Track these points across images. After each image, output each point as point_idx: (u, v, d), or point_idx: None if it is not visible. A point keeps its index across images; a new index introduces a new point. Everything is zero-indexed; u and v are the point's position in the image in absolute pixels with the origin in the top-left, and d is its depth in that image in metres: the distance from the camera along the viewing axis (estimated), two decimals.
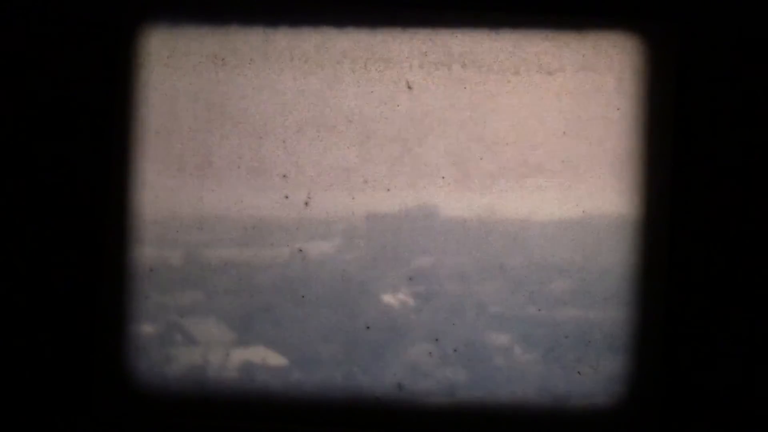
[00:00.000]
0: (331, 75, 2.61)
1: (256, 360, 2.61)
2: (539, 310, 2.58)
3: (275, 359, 2.60)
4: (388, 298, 2.59)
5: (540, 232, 2.58)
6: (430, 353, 2.59)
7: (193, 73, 2.62)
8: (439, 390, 2.58)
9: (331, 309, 2.58)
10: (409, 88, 2.60)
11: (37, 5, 2.61)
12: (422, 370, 2.59)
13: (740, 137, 2.55)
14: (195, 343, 2.62)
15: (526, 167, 2.58)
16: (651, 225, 2.55)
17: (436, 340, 2.59)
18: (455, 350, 2.58)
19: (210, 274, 2.61)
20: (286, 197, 2.61)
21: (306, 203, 2.60)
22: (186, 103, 2.62)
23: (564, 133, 2.58)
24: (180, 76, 2.62)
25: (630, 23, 2.57)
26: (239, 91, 2.62)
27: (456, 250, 2.58)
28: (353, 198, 2.59)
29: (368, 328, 2.59)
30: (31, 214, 2.60)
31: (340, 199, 2.59)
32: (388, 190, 2.59)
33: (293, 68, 2.62)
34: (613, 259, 2.56)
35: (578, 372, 2.57)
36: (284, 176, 2.61)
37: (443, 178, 2.59)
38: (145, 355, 2.61)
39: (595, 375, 2.57)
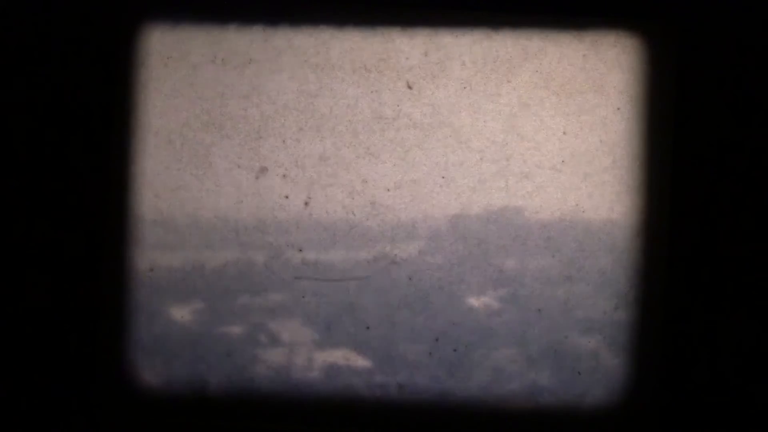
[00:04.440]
0: (331, 75, 2.61)
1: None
2: (539, 310, 2.58)
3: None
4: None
5: (539, 231, 2.58)
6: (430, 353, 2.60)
7: (193, 73, 2.62)
8: (431, 389, 2.59)
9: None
10: (409, 88, 2.60)
11: (38, 5, 2.61)
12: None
13: (740, 137, 2.55)
14: (194, 341, 2.62)
15: (526, 166, 2.59)
16: (651, 224, 2.55)
17: (436, 340, 2.59)
18: (455, 350, 2.59)
19: (210, 275, 2.61)
20: (286, 197, 2.61)
21: (306, 203, 2.60)
22: (186, 103, 2.62)
23: (564, 133, 2.59)
24: (180, 76, 2.62)
25: (630, 23, 2.58)
26: (239, 91, 2.62)
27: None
28: (353, 198, 2.60)
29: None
30: (31, 214, 2.60)
31: (340, 199, 2.60)
32: (388, 190, 2.59)
33: (293, 68, 2.62)
34: (613, 258, 2.56)
35: (578, 372, 2.57)
36: (284, 176, 2.61)
37: (443, 177, 2.59)
38: (145, 355, 2.61)
39: (595, 375, 2.57)
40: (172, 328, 2.61)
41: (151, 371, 2.61)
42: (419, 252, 2.59)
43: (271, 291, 2.61)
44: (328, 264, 2.60)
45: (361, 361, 2.60)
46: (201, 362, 2.61)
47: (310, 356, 2.62)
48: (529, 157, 2.59)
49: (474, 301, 2.59)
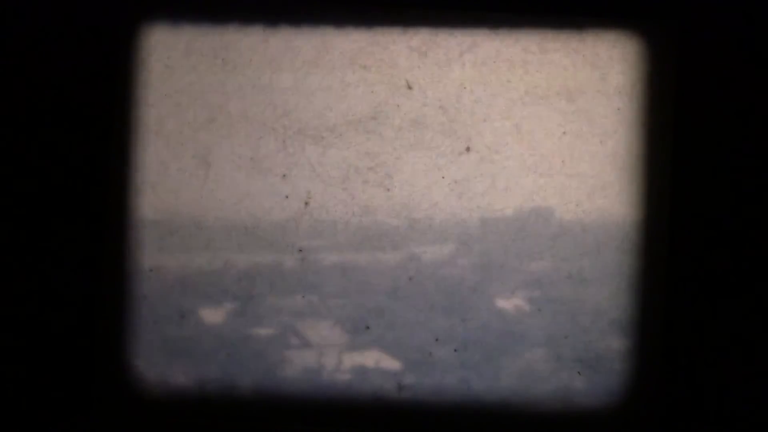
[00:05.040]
0: (331, 75, 2.61)
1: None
2: (539, 309, 2.58)
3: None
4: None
5: (539, 231, 2.58)
6: (430, 353, 2.59)
7: (193, 73, 2.62)
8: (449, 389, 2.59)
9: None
10: (409, 88, 2.60)
11: (37, 5, 2.61)
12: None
13: (740, 137, 2.55)
14: (195, 340, 2.62)
15: (526, 167, 2.58)
16: (651, 224, 2.55)
17: (436, 340, 2.59)
18: (456, 350, 2.59)
19: (210, 274, 2.61)
20: (286, 197, 2.61)
21: (306, 203, 2.60)
22: (186, 103, 2.62)
23: (564, 133, 2.59)
24: (180, 76, 2.62)
25: (630, 23, 2.58)
26: (239, 91, 2.62)
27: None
28: (353, 198, 2.59)
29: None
30: (31, 214, 2.60)
31: (340, 199, 2.59)
32: (388, 190, 2.59)
33: (293, 68, 2.61)
34: (613, 258, 2.56)
35: (578, 372, 2.57)
36: (284, 176, 2.61)
37: (443, 177, 2.59)
38: (145, 355, 2.61)
39: (595, 375, 2.57)
40: (173, 326, 2.61)
41: (152, 371, 2.61)
42: (425, 251, 2.59)
43: (270, 292, 2.62)
44: (326, 265, 2.60)
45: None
46: (203, 362, 2.61)
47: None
48: (528, 157, 2.59)
49: (478, 302, 2.59)
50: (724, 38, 2.55)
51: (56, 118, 2.60)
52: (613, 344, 2.57)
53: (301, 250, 2.60)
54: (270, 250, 2.60)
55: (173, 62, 2.62)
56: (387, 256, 2.59)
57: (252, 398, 2.60)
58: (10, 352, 2.60)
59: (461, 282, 2.58)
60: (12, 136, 2.61)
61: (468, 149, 2.59)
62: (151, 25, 2.62)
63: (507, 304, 2.60)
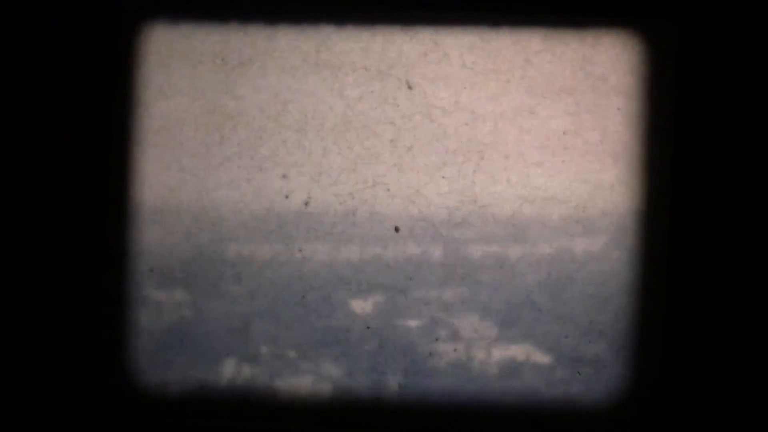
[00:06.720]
0: (331, 75, 2.61)
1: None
2: (539, 309, 2.58)
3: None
4: None
5: (540, 230, 2.58)
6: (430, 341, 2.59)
7: (193, 72, 2.62)
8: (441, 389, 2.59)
9: None
10: (409, 88, 2.61)
11: (37, 5, 2.61)
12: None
13: (739, 136, 2.55)
14: (195, 346, 2.62)
15: (526, 167, 2.59)
16: (651, 224, 2.55)
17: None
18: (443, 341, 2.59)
19: (211, 273, 2.61)
20: (286, 197, 2.61)
21: (306, 203, 2.60)
22: (186, 102, 2.62)
23: (564, 132, 2.59)
24: (180, 76, 2.62)
25: (630, 23, 2.58)
26: (239, 91, 2.62)
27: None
28: (353, 198, 2.59)
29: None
30: (31, 213, 2.60)
31: (341, 198, 2.59)
32: (388, 189, 2.59)
33: (293, 68, 2.62)
34: (613, 258, 2.57)
35: (578, 372, 2.57)
36: (284, 176, 2.61)
37: (443, 177, 2.59)
38: (146, 354, 2.60)
39: (595, 375, 2.57)
40: (172, 326, 2.61)
41: (152, 371, 2.61)
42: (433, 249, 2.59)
43: (262, 293, 2.62)
44: (321, 262, 2.60)
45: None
46: (200, 361, 2.61)
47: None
48: (528, 157, 2.59)
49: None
50: (724, 38, 2.56)
51: (56, 118, 2.60)
52: (613, 344, 2.57)
53: (301, 250, 2.59)
54: (271, 248, 2.60)
55: (174, 61, 2.62)
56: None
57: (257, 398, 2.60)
58: (10, 352, 2.60)
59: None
60: (12, 136, 2.61)
61: (468, 149, 2.59)
62: (151, 24, 2.62)
63: (506, 304, 2.59)
